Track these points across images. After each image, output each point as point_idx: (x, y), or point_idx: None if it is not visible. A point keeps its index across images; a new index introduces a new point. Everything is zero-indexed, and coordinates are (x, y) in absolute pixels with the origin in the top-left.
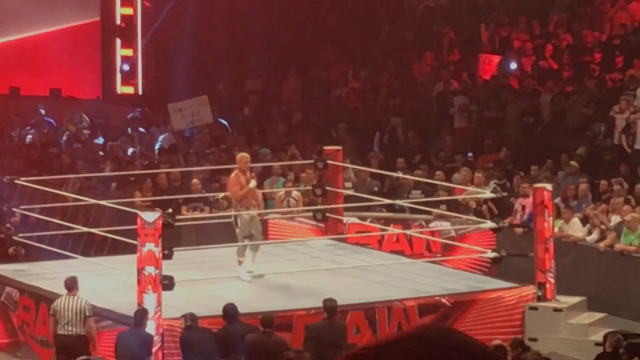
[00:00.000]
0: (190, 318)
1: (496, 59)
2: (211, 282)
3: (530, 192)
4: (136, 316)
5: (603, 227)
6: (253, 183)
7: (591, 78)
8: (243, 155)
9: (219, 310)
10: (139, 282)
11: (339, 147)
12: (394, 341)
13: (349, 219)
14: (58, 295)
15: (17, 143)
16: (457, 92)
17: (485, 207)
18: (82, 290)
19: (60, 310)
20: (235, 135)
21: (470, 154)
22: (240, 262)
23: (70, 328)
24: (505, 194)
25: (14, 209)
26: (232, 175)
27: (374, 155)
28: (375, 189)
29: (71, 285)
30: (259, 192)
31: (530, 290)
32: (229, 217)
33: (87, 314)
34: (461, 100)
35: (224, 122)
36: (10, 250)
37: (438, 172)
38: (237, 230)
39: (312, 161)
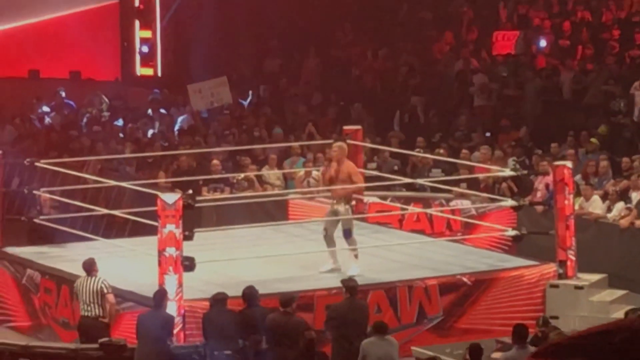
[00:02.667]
0: (215, 298)
1: (514, 34)
2: (232, 263)
3: (550, 170)
4: (155, 297)
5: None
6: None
7: (610, 55)
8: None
9: (239, 291)
10: (159, 263)
11: (359, 127)
12: (606, 331)
13: (370, 198)
14: (79, 277)
15: (37, 126)
16: (476, 71)
17: (505, 185)
18: (103, 272)
19: (80, 291)
20: (254, 115)
21: (488, 133)
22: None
23: (89, 309)
24: (525, 172)
25: (35, 192)
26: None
27: (394, 135)
28: (396, 168)
29: (89, 267)
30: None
31: (551, 268)
32: (250, 197)
33: (105, 291)
34: (481, 79)
35: (244, 102)
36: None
37: (464, 151)
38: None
39: (331, 141)
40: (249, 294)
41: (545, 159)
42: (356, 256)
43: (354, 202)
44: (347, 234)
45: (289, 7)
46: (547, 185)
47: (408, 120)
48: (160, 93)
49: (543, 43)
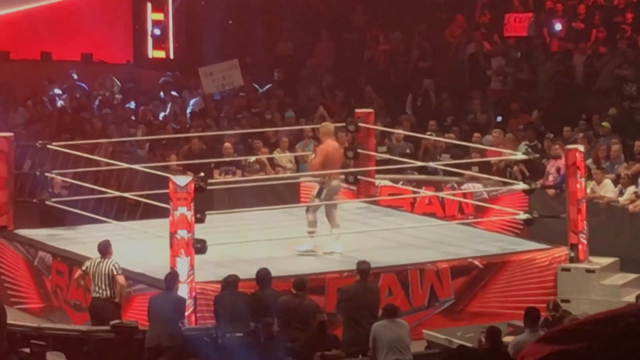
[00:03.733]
0: (226, 280)
1: (526, 17)
2: (243, 245)
3: (562, 154)
4: (166, 280)
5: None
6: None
7: (623, 39)
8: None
9: (250, 274)
10: (171, 245)
11: (371, 110)
12: (611, 317)
13: (381, 181)
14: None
15: (49, 108)
16: (489, 54)
17: (516, 168)
18: (115, 254)
19: (92, 273)
20: (266, 98)
21: (499, 118)
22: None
23: (100, 291)
24: (537, 155)
25: (47, 174)
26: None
27: (406, 118)
28: (408, 151)
29: (104, 249)
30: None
31: (562, 251)
32: (261, 180)
33: (115, 273)
34: (493, 62)
35: (256, 85)
36: None
37: (476, 134)
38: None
39: (343, 124)
40: (263, 275)
41: (557, 142)
42: (310, 233)
43: (321, 181)
44: (307, 209)
45: None
46: (557, 169)
47: (420, 103)
48: (172, 76)
49: (558, 26)
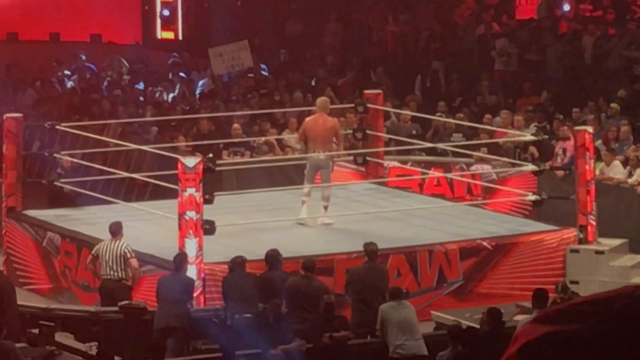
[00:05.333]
0: (234, 261)
1: None
2: (252, 226)
3: (571, 135)
4: (175, 261)
5: None
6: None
7: (632, 20)
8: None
9: (259, 255)
10: (180, 226)
11: (379, 91)
12: (606, 298)
13: (390, 162)
14: (99, 241)
15: (58, 89)
16: (498, 35)
17: (531, 149)
18: (124, 235)
19: (102, 255)
20: (275, 80)
21: (509, 100)
22: (326, 208)
23: (111, 272)
24: (547, 136)
25: (56, 155)
26: (333, 119)
27: (412, 98)
28: (414, 132)
29: (115, 230)
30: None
31: (571, 232)
32: (270, 161)
33: (129, 256)
34: (502, 43)
35: (264, 66)
36: None
37: (487, 116)
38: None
39: (352, 105)
40: (272, 256)
41: (566, 124)
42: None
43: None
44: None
45: None
46: (564, 150)
47: (429, 84)
48: (179, 56)
49: (567, 7)
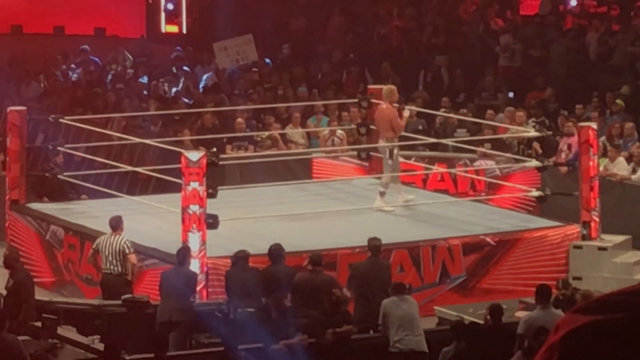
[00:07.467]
0: (237, 256)
1: None
2: (255, 220)
3: (575, 131)
4: (179, 254)
5: None
6: (408, 112)
7: (637, 16)
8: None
9: (262, 249)
10: (183, 220)
11: (383, 86)
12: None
13: None
14: (102, 234)
15: (62, 82)
16: (501, 31)
17: (535, 145)
18: (127, 228)
19: (102, 249)
20: (278, 74)
21: (511, 94)
22: (383, 194)
23: (111, 267)
24: (550, 132)
25: (59, 148)
26: (388, 107)
27: (419, 94)
28: (420, 127)
29: (115, 224)
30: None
31: (574, 229)
32: (273, 156)
33: (127, 252)
34: (505, 39)
35: (268, 61)
36: None
37: (489, 112)
38: (390, 162)
39: (356, 100)
40: (275, 251)
41: (570, 120)
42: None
43: None
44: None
45: None
46: (569, 146)
47: (432, 80)
48: (182, 50)
49: (573, 2)
